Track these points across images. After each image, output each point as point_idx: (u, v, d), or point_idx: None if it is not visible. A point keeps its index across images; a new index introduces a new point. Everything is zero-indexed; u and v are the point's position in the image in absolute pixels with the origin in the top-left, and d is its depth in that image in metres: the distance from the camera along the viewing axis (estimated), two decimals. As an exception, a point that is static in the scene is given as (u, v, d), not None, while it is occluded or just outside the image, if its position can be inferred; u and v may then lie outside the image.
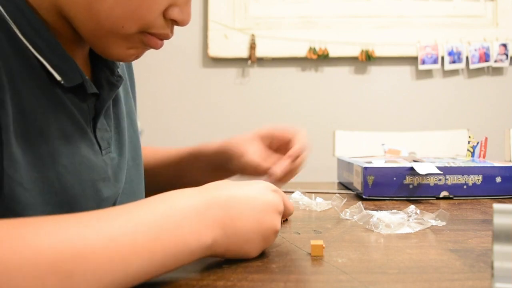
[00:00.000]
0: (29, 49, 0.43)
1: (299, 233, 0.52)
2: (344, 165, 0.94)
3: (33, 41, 0.43)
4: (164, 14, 0.47)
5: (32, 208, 0.42)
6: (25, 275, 0.27)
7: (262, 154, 0.67)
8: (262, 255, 0.43)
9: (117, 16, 0.44)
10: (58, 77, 0.44)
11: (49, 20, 0.46)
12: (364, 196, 0.76)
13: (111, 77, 0.53)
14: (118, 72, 0.55)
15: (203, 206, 0.38)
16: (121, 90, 0.60)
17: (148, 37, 0.48)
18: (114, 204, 0.54)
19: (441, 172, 0.75)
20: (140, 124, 0.78)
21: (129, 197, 0.60)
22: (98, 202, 0.50)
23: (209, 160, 0.71)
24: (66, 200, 0.45)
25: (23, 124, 0.42)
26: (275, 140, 0.69)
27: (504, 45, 1.91)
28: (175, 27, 0.50)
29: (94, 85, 0.52)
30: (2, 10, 0.42)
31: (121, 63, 0.59)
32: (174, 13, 0.47)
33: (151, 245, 0.34)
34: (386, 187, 0.75)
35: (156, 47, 0.49)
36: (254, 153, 0.66)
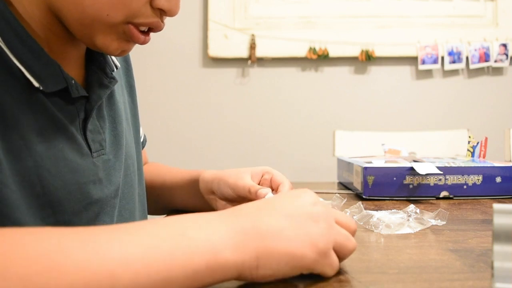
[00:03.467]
0: (8, 56, 0.42)
1: (299, 233, 0.52)
2: (344, 165, 0.94)
3: (15, 48, 0.43)
4: (151, 2, 0.46)
5: (19, 210, 0.42)
6: None
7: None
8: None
9: (102, 2, 0.43)
10: (36, 84, 0.44)
11: (38, 18, 0.45)
12: (364, 196, 0.76)
13: (103, 79, 0.53)
14: (111, 74, 0.55)
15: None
16: (118, 95, 0.60)
17: (131, 29, 0.47)
18: (109, 207, 0.54)
19: (441, 172, 0.75)
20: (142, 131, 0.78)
21: (129, 202, 0.60)
22: (86, 204, 0.49)
23: (205, 185, 0.68)
24: (48, 203, 0.45)
25: (4, 128, 0.41)
26: (266, 178, 0.65)
27: (504, 45, 1.91)
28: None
29: (85, 87, 0.51)
30: None
31: (119, 68, 0.59)
32: (162, 2, 0.46)
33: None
34: (386, 187, 0.75)
35: (139, 41, 0.48)
36: (249, 179, 0.63)
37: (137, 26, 0.47)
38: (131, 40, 0.48)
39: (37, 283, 0.26)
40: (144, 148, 0.81)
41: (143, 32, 0.48)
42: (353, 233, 0.40)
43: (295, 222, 0.35)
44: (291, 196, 0.40)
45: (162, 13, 0.48)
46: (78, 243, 0.29)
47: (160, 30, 0.49)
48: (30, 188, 0.43)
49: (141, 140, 0.76)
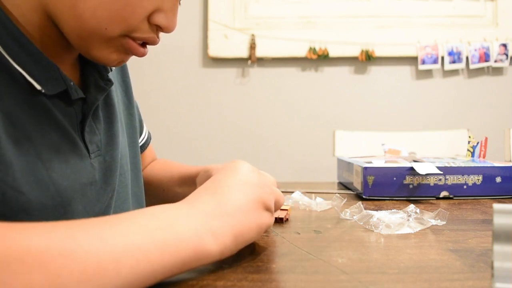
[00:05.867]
0: (8, 60, 0.42)
1: (299, 233, 0.52)
2: (344, 165, 0.94)
3: (14, 52, 0.43)
4: (149, 19, 0.47)
5: (26, 212, 0.42)
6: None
7: None
8: (262, 255, 0.43)
9: (101, 16, 0.44)
10: (38, 87, 0.44)
11: (35, 22, 0.45)
12: (364, 196, 0.76)
13: (99, 81, 0.53)
14: (107, 76, 0.55)
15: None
16: (112, 94, 0.60)
17: (129, 42, 0.47)
18: (105, 208, 0.54)
19: (441, 172, 0.75)
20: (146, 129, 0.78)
21: (124, 201, 0.60)
22: (85, 205, 0.50)
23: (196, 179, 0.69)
24: (61, 203, 0.45)
25: (12, 131, 0.42)
26: None
27: (504, 45, 1.91)
28: None
29: (81, 89, 0.52)
30: None
31: (113, 69, 0.59)
32: (160, 19, 0.47)
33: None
34: (386, 187, 0.75)
35: (138, 54, 0.49)
36: None
37: (134, 39, 0.47)
38: (129, 53, 0.49)
39: (54, 267, 0.28)
40: (151, 145, 0.81)
41: (140, 45, 0.49)
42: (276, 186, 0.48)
43: (253, 194, 0.41)
44: (232, 170, 0.44)
45: (158, 29, 0.48)
46: (84, 231, 0.31)
47: (155, 45, 0.50)
48: (44, 187, 0.44)
49: (145, 137, 0.76)
